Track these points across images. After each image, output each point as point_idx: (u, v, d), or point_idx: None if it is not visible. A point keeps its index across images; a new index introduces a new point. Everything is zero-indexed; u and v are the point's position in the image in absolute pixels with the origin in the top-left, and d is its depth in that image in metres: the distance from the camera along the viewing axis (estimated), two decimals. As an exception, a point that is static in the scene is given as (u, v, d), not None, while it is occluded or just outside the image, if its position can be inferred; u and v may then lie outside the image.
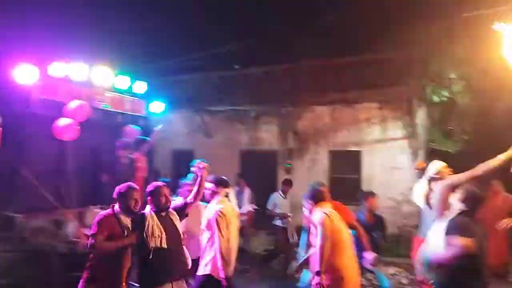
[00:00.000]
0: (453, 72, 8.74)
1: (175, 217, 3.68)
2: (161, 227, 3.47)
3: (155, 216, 3.52)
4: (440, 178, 4.20)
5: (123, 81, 6.62)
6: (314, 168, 9.94)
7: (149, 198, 3.61)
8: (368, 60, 9.23)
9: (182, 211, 3.81)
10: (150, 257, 3.35)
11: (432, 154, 9.66)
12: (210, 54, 10.56)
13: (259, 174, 9.79)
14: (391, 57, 8.97)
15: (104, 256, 3.40)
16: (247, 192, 8.28)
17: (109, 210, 3.58)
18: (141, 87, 6.98)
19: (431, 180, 4.39)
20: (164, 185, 3.71)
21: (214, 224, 3.78)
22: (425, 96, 8.84)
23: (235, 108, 10.81)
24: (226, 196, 4.12)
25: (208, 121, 11.24)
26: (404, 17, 8.88)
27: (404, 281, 6.65)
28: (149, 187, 3.68)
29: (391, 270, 7.02)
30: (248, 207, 8.01)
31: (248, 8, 10.93)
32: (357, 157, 9.52)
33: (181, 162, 10.95)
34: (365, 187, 9.16)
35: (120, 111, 6.83)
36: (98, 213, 3.73)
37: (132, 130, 6.66)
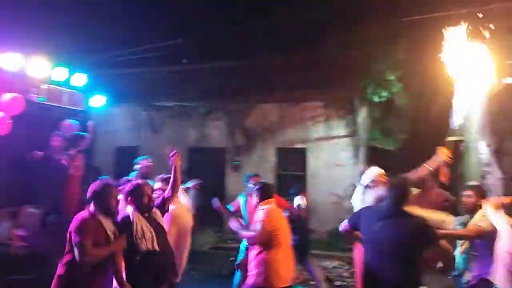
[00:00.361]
0: (393, 74, 9.21)
1: (159, 216, 3.45)
2: (150, 228, 3.24)
3: (141, 217, 3.27)
4: (375, 187, 4.20)
5: (61, 73, 6.24)
6: (261, 165, 10.04)
7: (129, 198, 3.33)
8: (314, 59, 9.47)
9: (162, 208, 3.58)
10: (140, 260, 3.14)
11: (372, 152, 10.15)
12: (158, 48, 10.27)
13: (207, 171, 9.71)
14: (335, 57, 9.27)
15: (85, 264, 3.00)
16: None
17: (85, 213, 3.18)
18: (80, 79, 6.60)
19: (366, 187, 4.34)
20: (146, 183, 3.47)
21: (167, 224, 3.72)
22: (366, 96, 9.23)
23: (183, 104, 10.64)
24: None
25: (155, 116, 10.96)
26: (348, 19, 9.22)
27: (345, 274, 6.93)
28: (129, 187, 3.39)
29: (333, 263, 7.28)
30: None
31: (199, 3, 10.77)
32: (302, 154, 9.77)
33: (126, 159, 10.56)
34: (310, 183, 9.43)
35: (57, 105, 6.45)
36: (32, 213, 3.47)
37: (70, 125, 6.31)
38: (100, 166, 8.16)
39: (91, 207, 3.20)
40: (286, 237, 3.86)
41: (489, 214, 3.27)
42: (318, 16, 9.27)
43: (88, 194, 3.27)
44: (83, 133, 6.23)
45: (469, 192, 3.75)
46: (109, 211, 3.20)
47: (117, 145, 10.97)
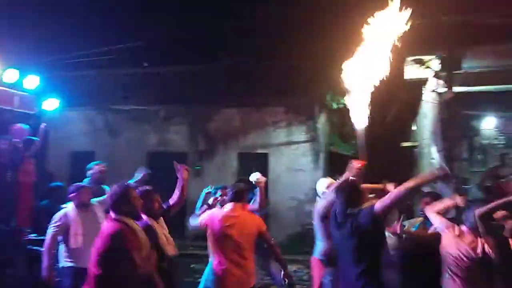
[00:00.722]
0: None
1: (163, 223, 3.46)
2: (167, 234, 3.25)
3: (155, 222, 3.24)
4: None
5: (12, 75, 5.90)
6: (223, 170, 10.01)
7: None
8: (276, 66, 9.60)
9: (166, 215, 3.57)
10: (167, 266, 3.12)
11: (331, 157, 10.40)
12: (116, 50, 9.99)
13: (168, 176, 9.53)
14: (296, 64, 9.45)
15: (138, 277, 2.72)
16: None
17: (113, 223, 2.84)
18: (32, 81, 6.27)
19: (320, 198, 4.29)
20: (152, 189, 3.38)
21: None
22: (325, 103, 9.48)
23: (142, 108, 10.41)
24: None
25: (112, 120, 10.64)
26: (308, 27, 9.44)
27: (305, 277, 7.02)
28: (139, 193, 3.16)
29: (294, 267, 7.35)
30: None
31: (161, 5, 10.60)
32: (264, 159, 9.83)
33: (82, 165, 10.15)
34: (271, 188, 9.50)
35: (7, 108, 6.10)
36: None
37: (21, 129, 5.97)
38: (53, 172, 7.79)
39: (115, 215, 2.91)
40: (230, 242, 3.74)
41: (431, 218, 3.41)
42: (280, 24, 9.42)
43: (110, 200, 3.01)
44: (34, 138, 5.92)
45: (426, 199, 3.90)
46: (136, 214, 2.98)
47: (72, 150, 10.55)
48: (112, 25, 10.32)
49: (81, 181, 5.06)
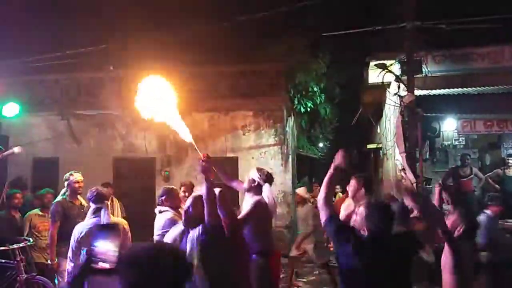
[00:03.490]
0: (316, 85, 9.73)
1: None
2: None
3: None
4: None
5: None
6: (192, 175, 9.92)
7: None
8: (244, 70, 9.66)
9: None
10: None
11: (299, 160, 10.54)
12: (79, 54, 9.72)
13: (135, 182, 9.36)
14: (264, 69, 9.55)
15: None
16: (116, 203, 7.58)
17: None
18: (-8, 86, 6.04)
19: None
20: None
21: None
22: (293, 107, 9.62)
23: (107, 113, 10.15)
24: (98, 210, 3.86)
25: (76, 126, 10.32)
26: (277, 32, 9.57)
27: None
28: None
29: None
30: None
31: (126, 8, 10.42)
32: (234, 163, 9.83)
33: (44, 171, 9.82)
34: (242, 192, 9.51)
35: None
36: None
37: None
38: (17, 178, 7.45)
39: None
40: None
41: None
42: (246, 27, 9.49)
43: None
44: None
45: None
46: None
47: (34, 157, 10.15)
48: (75, 28, 10.05)
49: (45, 187, 4.91)
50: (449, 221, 3.11)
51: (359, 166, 14.00)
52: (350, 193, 3.73)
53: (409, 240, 2.71)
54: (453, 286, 2.84)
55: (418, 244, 2.73)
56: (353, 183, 3.76)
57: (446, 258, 2.85)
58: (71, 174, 4.90)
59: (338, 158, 2.72)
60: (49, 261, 4.69)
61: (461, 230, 3.05)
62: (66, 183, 4.85)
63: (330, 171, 2.74)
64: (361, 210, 2.66)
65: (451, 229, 3.03)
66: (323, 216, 2.70)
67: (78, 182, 4.88)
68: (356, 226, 2.68)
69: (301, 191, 7.26)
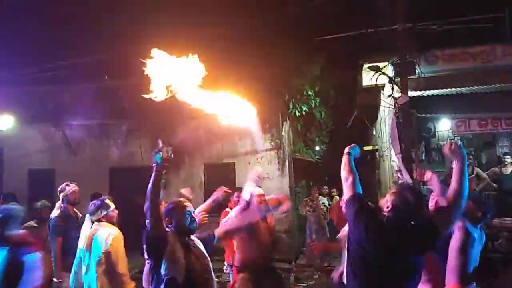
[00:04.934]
0: (310, 89, 9.75)
1: None
2: None
3: None
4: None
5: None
6: (190, 182, 9.89)
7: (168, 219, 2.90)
8: (237, 75, 9.65)
9: None
10: None
11: (296, 164, 10.54)
12: (74, 64, 9.71)
13: (132, 191, 9.29)
14: (259, 74, 9.55)
15: None
16: None
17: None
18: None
19: None
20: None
21: None
22: (288, 111, 9.63)
23: (103, 123, 10.13)
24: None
25: (72, 137, 10.29)
26: (270, 36, 9.59)
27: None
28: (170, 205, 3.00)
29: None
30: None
31: (116, 15, 10.43)
32: (231, 169, 9.82)
33: (39, 183, 9.77)
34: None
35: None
36: None
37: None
38: (12, 192, 7.39)
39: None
40: None
41: None
42: (240, 32, 9.52)
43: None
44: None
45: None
46: None
47: (29, 168, 10.10)
48: (69, 39, 10.05)
49: (41, 199, 4.87)
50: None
51: (357, 168, 14.00)
52: None
53: (430, 232, 2.48)
54: (458, 266, 2.95)
55: (437, 237, 2.52)
56: None
57: (455, 241, 2.98)
58: (66, 185, 4.85)
59: (351, 147, 2.89)
60: (54, 279, 4.61)
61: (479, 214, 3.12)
62: (61, 194, 4.79)
63: (345, 159, 2.83)
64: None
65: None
66: (346, 194, 2.67)
67: (74, 193, 4.83)
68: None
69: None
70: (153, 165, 2.82)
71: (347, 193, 2.67)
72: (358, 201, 2.59)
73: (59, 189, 4.83)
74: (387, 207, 2.50)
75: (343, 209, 2.75)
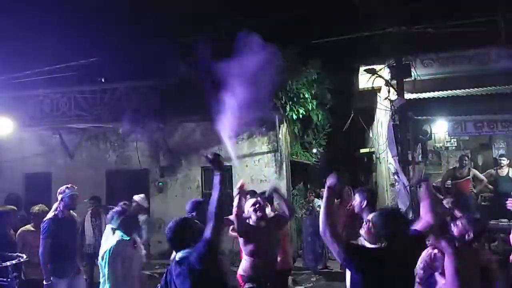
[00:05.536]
0: (307, 92, 9.77)
1: None
2: None
3: None
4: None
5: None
6: (187, 185, 9.90)
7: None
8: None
9: None
10: None
11: (293, 166, 10.54)
12: (70, 67, 9.68)
13: (129, 195, 9.26)
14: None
15: None
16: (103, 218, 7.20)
17: None
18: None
19: None
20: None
21: None
22: (285, 113, 9.64)
23: (99, 126, 10.11)
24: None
25: (68, 140, 10.27)
26: (267, 40, 9.59)
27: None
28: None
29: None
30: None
31: (116, 20, 10.44)
32: (228, 172, 9.81)
33: (36, 187, 9.73)
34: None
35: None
36: None
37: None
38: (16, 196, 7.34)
39: None
40: None
41: None
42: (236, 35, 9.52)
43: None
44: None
45: None
46: None
47: (25, 172, 10.07)
48: (66, 42, 10.05)
49: (37, 203, 4.85)
50: (457, 228, 3.17)
51: (354, 170, 14.04)
52: (356, 209, 3.67)
53: (421, 242, 2.75)
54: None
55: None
56: (357, 198, 3.70)
57: (446, 263, 2.98)
58: (67, 188, 4.83)
59: (330, 179, 2.63)
60: (44, 282, 4.58)
61: (471, 234, 3.11)
62: (60, 196, 4.78)
63: (325, 194, 2.62)
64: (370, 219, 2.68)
65: (459, 236, 3.13)
66: (335, 249, 2.47)
67: (71, 197, 4.81)
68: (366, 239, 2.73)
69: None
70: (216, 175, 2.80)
71: (336, 245, 2.47)
72: (352, 250, 2.54)
73: (59, 190, 4.82)
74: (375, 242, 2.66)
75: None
